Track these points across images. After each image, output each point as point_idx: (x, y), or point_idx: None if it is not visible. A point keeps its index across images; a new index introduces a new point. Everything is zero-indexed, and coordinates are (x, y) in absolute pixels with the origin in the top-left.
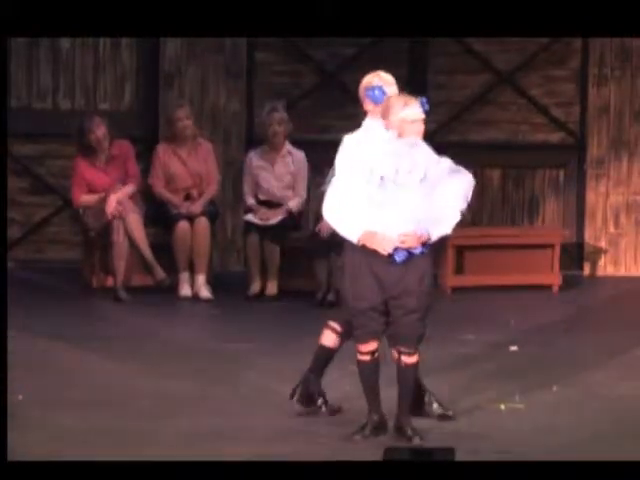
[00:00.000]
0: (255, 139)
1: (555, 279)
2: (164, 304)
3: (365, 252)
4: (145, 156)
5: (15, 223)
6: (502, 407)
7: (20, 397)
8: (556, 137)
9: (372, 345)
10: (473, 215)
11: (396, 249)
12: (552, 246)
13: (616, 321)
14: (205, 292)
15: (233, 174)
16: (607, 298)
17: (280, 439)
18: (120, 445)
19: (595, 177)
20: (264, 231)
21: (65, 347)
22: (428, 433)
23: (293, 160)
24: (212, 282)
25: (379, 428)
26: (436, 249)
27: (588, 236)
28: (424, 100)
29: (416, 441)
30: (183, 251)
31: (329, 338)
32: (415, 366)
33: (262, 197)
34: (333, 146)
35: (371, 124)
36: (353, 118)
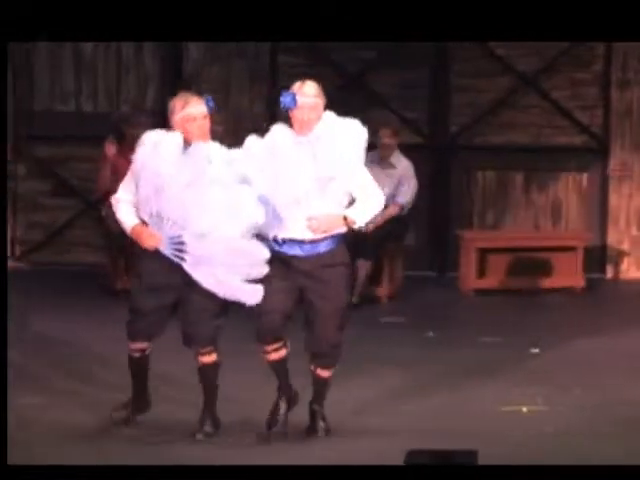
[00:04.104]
0: None
1: (578, 282)
2: None
3: (149, 255)
4: None
5: (38, 226)
6: (524, 410)
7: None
8: (579, 140)
9: (144, 344)
10: (496, 218)
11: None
12: (575, 249)
13: (638, 324)
14: None
15: None
16: (630, 301)
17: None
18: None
19: (618, 180)
20: None
21: (85, 350)
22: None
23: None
24: None
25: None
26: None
27: (611, 239)
28: (209, 98)
29: (199, 437)
30: None
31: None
32: (212, 365)
33: None
34: None
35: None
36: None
